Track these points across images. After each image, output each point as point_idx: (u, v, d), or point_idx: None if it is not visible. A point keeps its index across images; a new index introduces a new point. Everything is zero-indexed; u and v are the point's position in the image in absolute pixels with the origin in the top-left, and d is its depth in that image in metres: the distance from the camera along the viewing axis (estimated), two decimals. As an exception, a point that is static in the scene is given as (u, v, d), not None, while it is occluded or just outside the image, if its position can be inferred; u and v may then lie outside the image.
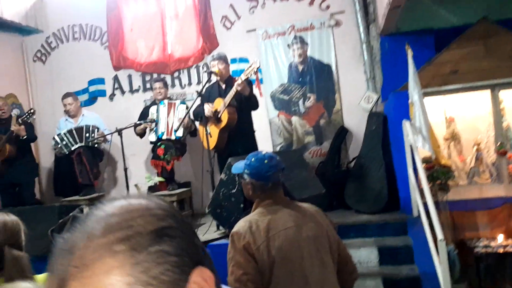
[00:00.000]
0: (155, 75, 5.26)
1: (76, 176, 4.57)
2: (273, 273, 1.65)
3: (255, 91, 3.80)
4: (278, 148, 4.95)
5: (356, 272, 1.90)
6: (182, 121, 3.72)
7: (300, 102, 4.90)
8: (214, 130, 3.60)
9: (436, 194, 3.51)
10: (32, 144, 5.52)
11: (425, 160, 3.60)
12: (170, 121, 4.33)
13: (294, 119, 4.92)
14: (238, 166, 1.97)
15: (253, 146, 3.84)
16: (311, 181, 3.31)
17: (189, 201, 4.31)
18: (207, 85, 3.78)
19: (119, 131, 4.11)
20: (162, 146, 4.21)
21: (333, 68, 4.82)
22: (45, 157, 5.60)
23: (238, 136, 3.69)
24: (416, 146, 3.30)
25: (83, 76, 5.52)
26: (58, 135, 4.64)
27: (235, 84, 3.50)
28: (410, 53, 3.45)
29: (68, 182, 4.87)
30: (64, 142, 4.60)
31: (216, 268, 0.55)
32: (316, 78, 4.85)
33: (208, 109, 3.64)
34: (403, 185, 3.73)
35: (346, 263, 1.86)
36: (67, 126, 4.75)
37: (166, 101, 4.45)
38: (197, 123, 4.20)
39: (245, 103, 3.64)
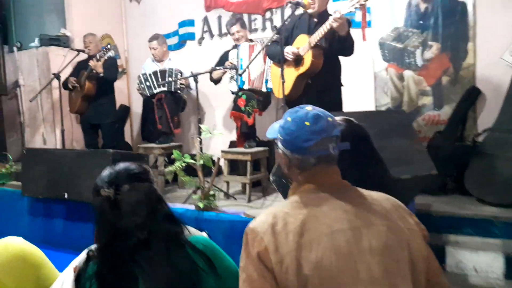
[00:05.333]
0: (245, 16, 4.64)
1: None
2: None
3: (356, 32, 2.94)
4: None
5: None
6: (251, 61, 2.97)
7: (418, 52, 3.83)
8: (290, 74, 2.84)
9: None
10: (123, 86, 5.51)
11: None
12: (251, 67, 3.71)
13: (408, 74, 3.88)
14: (275, 127, 1.30)
15: (337, 103, 3.05)
16: (417, 156, 2.40)
17: (266, 163, 3.73)
18: (288, 20, 2.99)
19: (195, 76, 3.66)
20: (243, 96, 3.63)
21: (469, 7, 3.60)
22: (136, 100, 5.52)
23: (319, 88, 2.92)
24: None
25: (174, 18, 5.18)
26: (143, 74, 4.39)
27: (330, 18, 2.68)
28: None
29: (152, 127, 4.68)
30: (147, 84, 4.33)
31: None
32: (443, 21, 3.70)
33: (289, 50, 2.88)
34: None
35: None
36: (152, 68, 4.47)
37: (246, 43, 3.82)
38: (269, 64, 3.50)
39: (338, 46, 2.81)
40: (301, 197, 1.15)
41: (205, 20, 4.98)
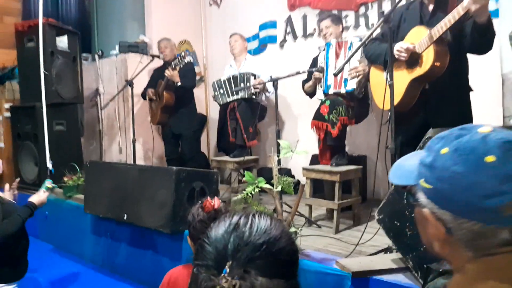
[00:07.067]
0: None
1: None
2: None
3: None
4: (512, 122, 3.13)
5: None
6: (348, 60, 2.29)
7: None
8: (400, 79, 2.15)
9: None
10: (201, 94, 5.23)
11: None
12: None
13: (551, 75, 2.96)
14: (407, 165, 0.70)
15: (466, 116, 2.29)
16: None
17: (359, 184, 3.07)
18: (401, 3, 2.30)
19: (274, 81, 3.15)
20: (327, 102, 3.02)
21: None
22: (214, 109, 5.20)
23: (442, 95, 2.20)
24: None
25: (255, 20, 4.77)
26: (217, 81, 4.05)
27: (465, 1, 1.95)
28: None
29: (227, 139, 4.30)
30: (221, 91, 3.99)
31: None
32: None
33: (401, 46, 2.20)
34: None
35: None
36: (229, 74, 4.10)
37: (334, 40, 3.20)
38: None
39: (474, 38, 2.06)
40: None
41: (289, 21, 4.48)
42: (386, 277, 1.59)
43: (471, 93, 2.36)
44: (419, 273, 1.42)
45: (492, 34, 2.09)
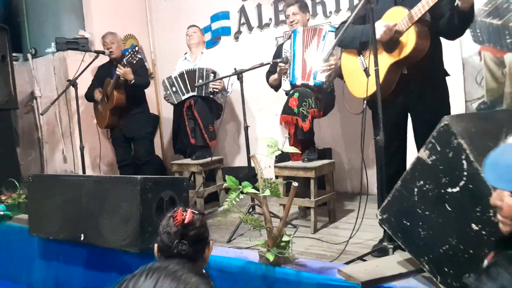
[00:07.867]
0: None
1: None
2: None
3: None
4: (474, 106, 3.17)
5: None
6: (336, 44, 2.08)
7: (524, 29, 2.96)
8: (379, 63, 2.01)
9: None
10: (151, 93, 4.87)
11: None
12: (308, 57, 2.91)
13: (510, 58, 3.01)
14: None
15: (444, 99, 2.24)
16: None
17: (332, 178, 2.95)
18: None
19: (239, 74, 2.92)
20: (295, 95, 2.85)
21: None
22: (166, 109, 4.87)
23: (422, 79, 2.11)
24: None
25: (206, 11, 4.49)
26: (168, 78, 3.72)
27: None
28: None
29: (185, 140, 4.00)
30: (174, 89, 3.67)
31: None
32: (559, -15, 2.82)
33: (383, 27, 2.05)
34: None
35: None
36: (183, 68, 3.78)
37: (301, 28, 3.03)
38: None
39: (452, 25, 1.98)
40: None
41: (242, 11, 4.25)
42: (397, 284, 1.44)
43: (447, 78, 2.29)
44: (438, 278, 1.29)
45: (471, 19, 2.02)
